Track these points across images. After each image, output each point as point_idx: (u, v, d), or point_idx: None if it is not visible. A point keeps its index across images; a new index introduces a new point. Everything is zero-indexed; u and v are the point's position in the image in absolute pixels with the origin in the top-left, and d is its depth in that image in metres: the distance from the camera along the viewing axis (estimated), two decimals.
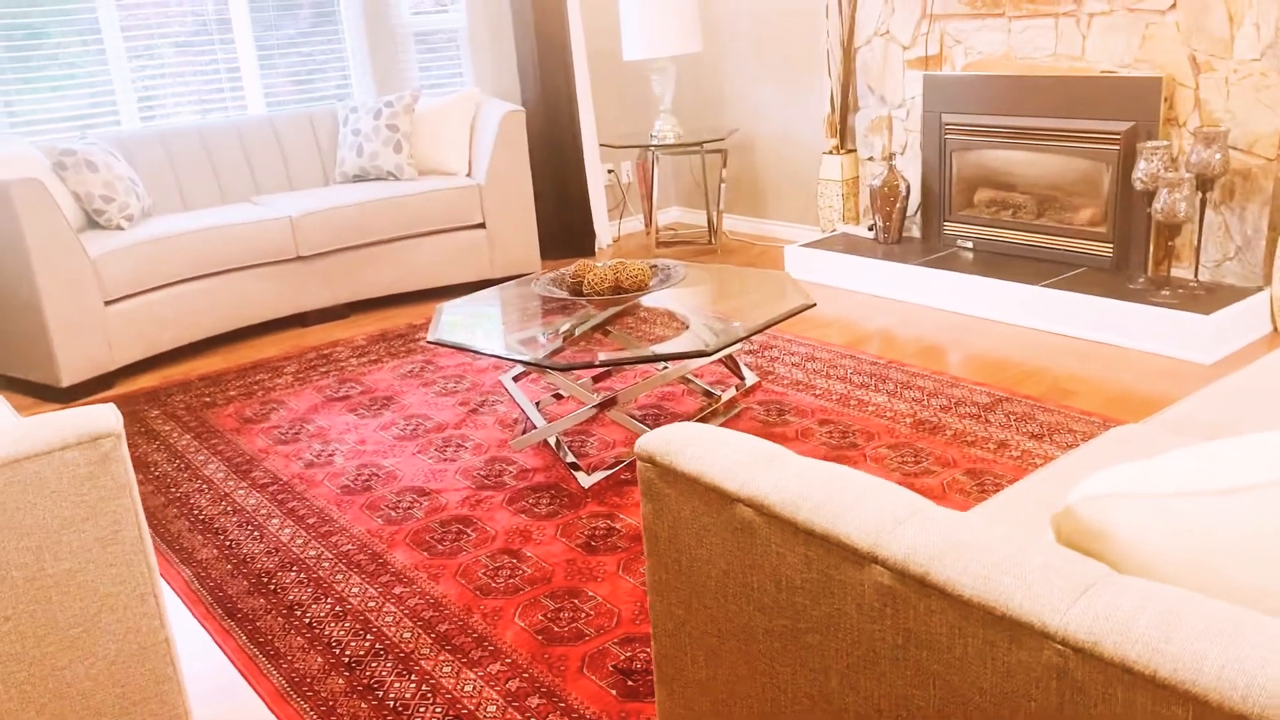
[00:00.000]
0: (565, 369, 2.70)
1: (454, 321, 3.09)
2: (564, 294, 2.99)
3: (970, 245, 4.44)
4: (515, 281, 3.42)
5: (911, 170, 4.67)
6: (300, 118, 4.90)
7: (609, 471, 2.92)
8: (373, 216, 4.53)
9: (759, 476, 1.08)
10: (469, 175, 4.86)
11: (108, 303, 3.91)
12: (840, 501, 1.01)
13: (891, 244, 4.62)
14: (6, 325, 3.84)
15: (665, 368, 3.34)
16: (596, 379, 3.47)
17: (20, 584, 1.29)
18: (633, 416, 3.33)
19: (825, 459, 2.96)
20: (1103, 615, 0.81)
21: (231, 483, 3.09)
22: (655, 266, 3.09)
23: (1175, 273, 3.86)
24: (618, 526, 2.66)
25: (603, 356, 2.73)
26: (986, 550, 0.91)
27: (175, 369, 4.14)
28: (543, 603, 2.36)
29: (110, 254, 3.89)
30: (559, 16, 5.22)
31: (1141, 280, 3.81)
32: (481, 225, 4.80)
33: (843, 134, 4.92)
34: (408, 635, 2.28)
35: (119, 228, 4.14)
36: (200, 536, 2.79)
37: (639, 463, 1.21)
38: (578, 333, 3.12)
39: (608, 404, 2.89)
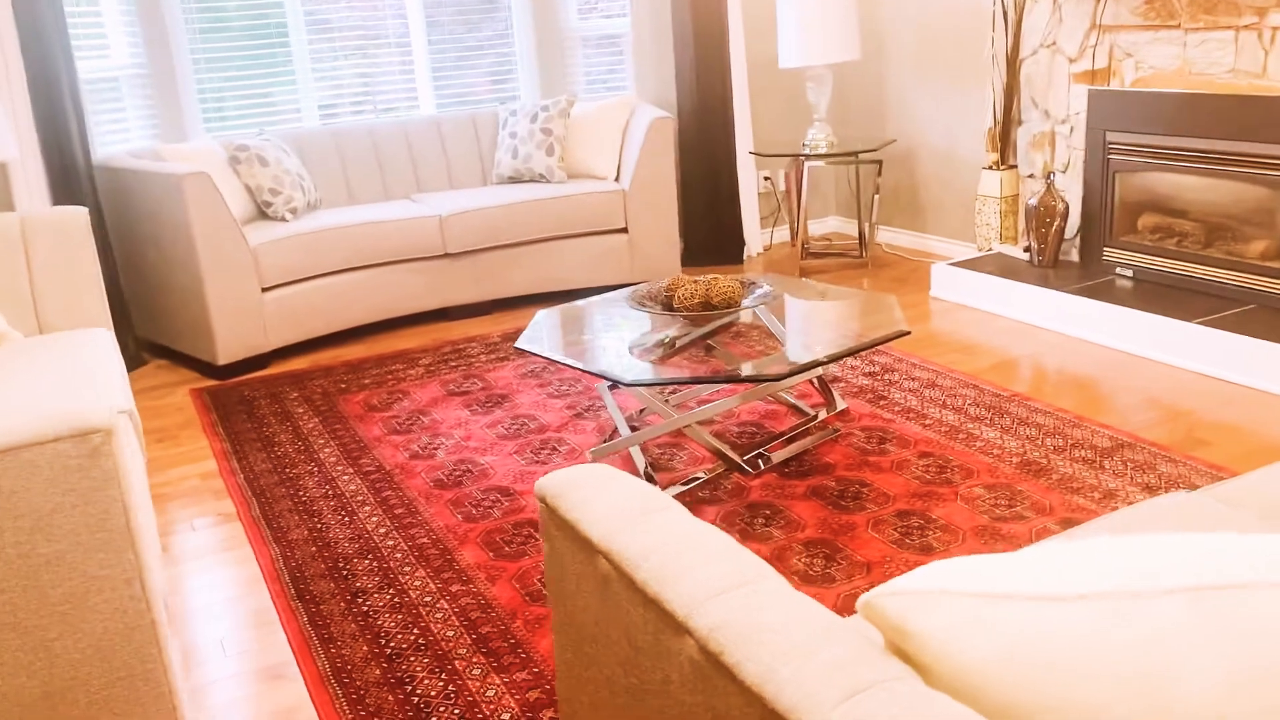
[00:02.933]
0: (631, 384, 2.70)
1: (546, 328, 3.15)
2: (655, 308, 2.99)
3: (1130, 274, 4.13)
4: (608, 295, 3.44)
5: (1073, 190, 4.39)
6: (464, 120, 5.10)
7: (685, 487, 2.91)
8: (518, 218, 4.66)
9: (621, 530, 1.06)
10: (616, 180, 4.92)
11: (265, 289, 4.20)
12: (676, 564, 0.97)
13: (1046, 268, 4.36)
14: (174, 305, 4.19)
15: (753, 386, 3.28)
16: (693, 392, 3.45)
17: (14, 560, 1.43)
18: (722, 434, 3.30)
19: (913, 494, 2.84)
20: None
21: (340, 467, 3.27)
22: (749, 283, 3.04)
23: None
24: None
25: (669, 375, 2.72)
26: (783, 636, 0.86)
27: (323, 354, 4.41)
28: None
29: (269, 244, 4.18)
30: (719, 23, 5.20)
31: None
32: (624, 230, 4.85)
33: (1004, 149, 4.67)
34: (451, 634, 2.35)
35: (283, 219, 4.44)
36: (298, 516, 2.96)
37: (539, 503, 1.20)
38: (679, 345, 3.12)
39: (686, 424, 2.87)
